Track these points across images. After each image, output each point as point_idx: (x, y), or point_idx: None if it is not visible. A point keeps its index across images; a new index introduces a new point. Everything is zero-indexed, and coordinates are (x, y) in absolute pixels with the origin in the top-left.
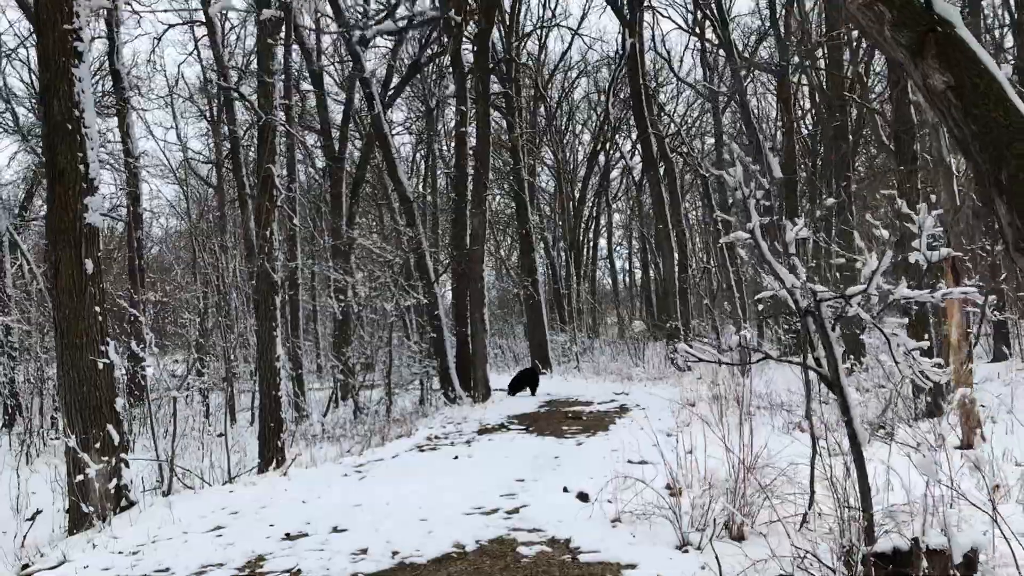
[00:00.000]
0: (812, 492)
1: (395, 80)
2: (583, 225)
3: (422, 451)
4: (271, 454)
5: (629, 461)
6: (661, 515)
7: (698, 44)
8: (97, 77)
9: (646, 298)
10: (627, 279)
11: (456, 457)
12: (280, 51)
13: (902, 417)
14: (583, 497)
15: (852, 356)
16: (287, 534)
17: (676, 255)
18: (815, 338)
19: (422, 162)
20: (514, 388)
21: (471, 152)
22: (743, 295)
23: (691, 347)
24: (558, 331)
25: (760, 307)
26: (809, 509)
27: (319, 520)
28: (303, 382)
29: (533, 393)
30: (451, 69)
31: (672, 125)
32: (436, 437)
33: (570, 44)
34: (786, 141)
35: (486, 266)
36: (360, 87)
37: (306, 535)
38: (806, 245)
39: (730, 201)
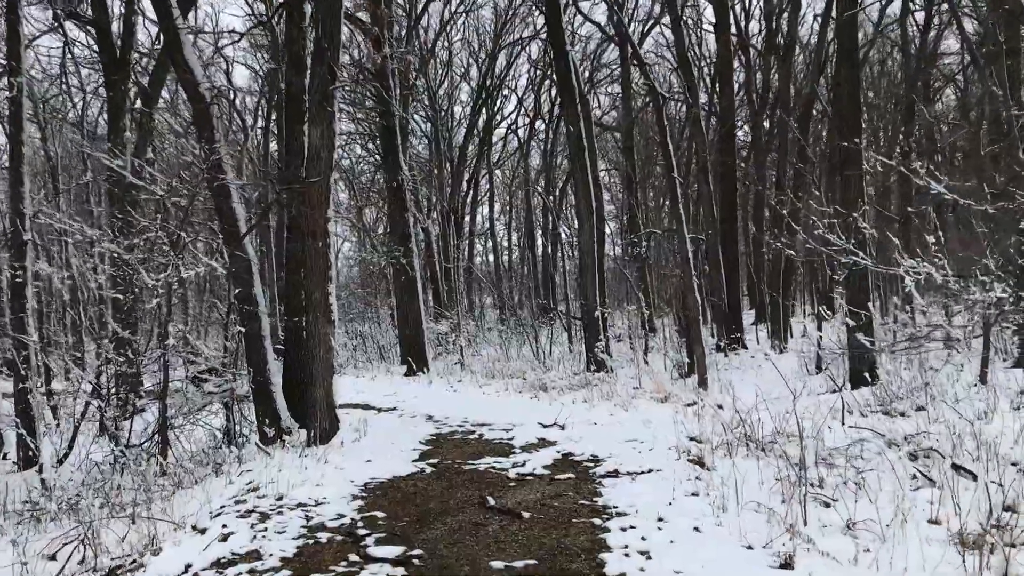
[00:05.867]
0: None
1: None
2: (462, 191)
3: None
4: None
5: None
6: None
7: None
8: None
9: (535, 278)
10: (507, 256)
11: None
12: None
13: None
14: None
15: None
16: None
17: (595, 220)
18: None
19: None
20: None
21: (312, 24)
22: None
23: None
24: (433, 317)
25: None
26: None
27: None
28: (29, 403)
29: None
30: None
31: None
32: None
33: None
34: (724, 91)
35: (341, 225)
36: None
37: None
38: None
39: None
